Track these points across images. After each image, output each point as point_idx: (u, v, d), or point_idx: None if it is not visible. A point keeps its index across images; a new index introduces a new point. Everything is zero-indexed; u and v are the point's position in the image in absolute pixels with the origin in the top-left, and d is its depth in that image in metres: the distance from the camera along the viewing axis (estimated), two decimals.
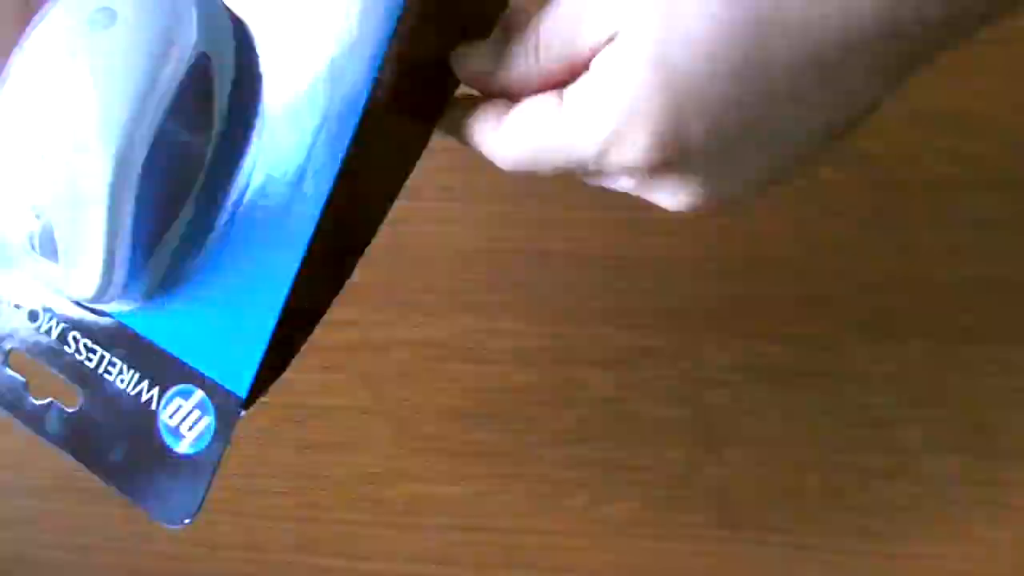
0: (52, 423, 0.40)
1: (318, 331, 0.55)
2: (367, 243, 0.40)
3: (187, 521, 0.37)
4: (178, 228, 0.37)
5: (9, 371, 0.41)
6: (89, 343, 0.39)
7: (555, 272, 0.55)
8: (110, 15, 0.34)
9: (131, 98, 0.34)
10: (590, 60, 0.32)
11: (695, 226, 0.55)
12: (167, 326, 0.38)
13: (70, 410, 0.40)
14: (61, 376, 0.39)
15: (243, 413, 0.37)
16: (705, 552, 0.53)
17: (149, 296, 0.38)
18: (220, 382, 0.37)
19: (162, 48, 0.34)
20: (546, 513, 0.53)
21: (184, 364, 0.38)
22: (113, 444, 0.39)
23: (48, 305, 0.39)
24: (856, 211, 0.54)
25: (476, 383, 0.55)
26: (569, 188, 0.55)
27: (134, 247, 0.36)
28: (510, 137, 0.34)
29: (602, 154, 0.32)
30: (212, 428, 0.37)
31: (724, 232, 0.54)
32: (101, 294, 0.36)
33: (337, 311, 0.55)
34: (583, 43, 0.32)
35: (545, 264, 0.55)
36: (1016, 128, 0.54)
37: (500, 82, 0.35)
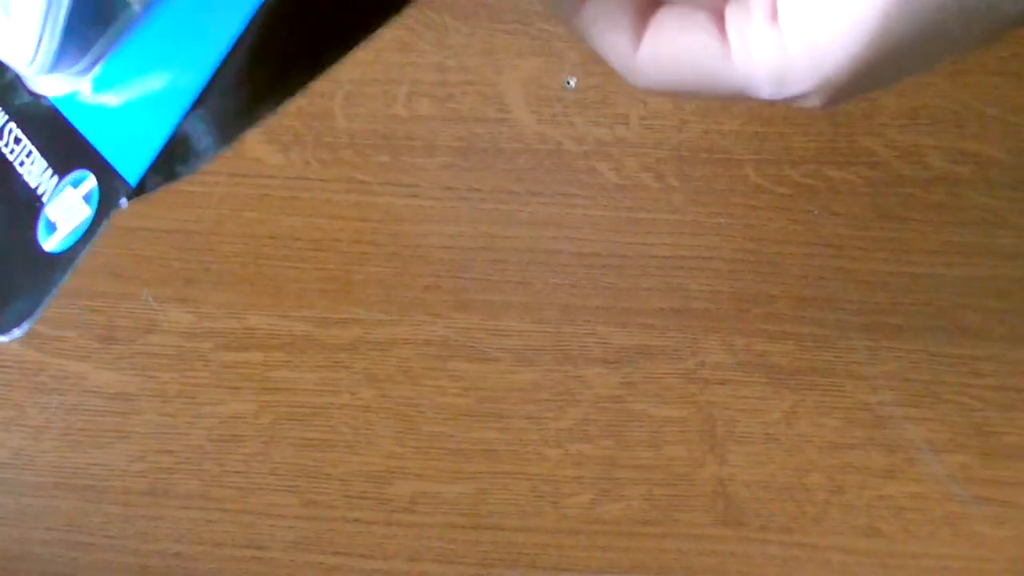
0: None
1: (320, 329, 0.55)
2: (315, 67, 0.35)
3: (17, 332, 0.33)
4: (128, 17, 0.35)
5: None
6: (19, 134, 0.36)
7: (557, 271, 0.55)
8: None
9: None
10: None
11: (696, 225, 0.55)
12: (92, 108, 0.35)
13: None
14: None
15: (124, 202, 0.32)
16: (707, 551, 0.53)
17: (85, 72, 0.35)
18: (114, 165, 0.33)
19: None
20: (548, 512, 0.53)
21: (89, 146, 0.34)
22: None
23: (2, 95, 0.37)
24: (857, 209, 0.54)
25: (478, 381, 0.55)
26: (571, 186, 0.55)
27: (75, 12, 0.33)
28: (654, 62, 0.31)
29: (777, 97, 0.30)
30: (88, 222, 0.33)
31: (725, 231, 0.54)
32: (35, 57, 0.34)
33: (338, 309, 0.55)
34: None
35: (546, 263, 0.55)
36: (1017, 127, 0.54)
37: None
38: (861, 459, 0.53)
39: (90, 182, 0.33)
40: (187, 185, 0.56)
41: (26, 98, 0.36)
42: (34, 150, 0.35)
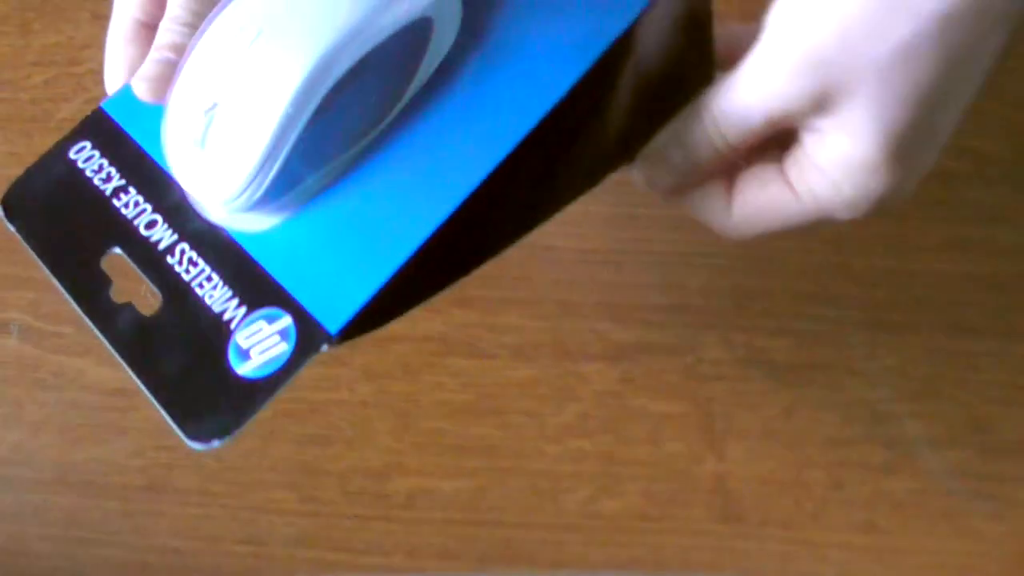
0: (121, 323, 0.39)
1: None
2: (501, 243, 0.40)
3: (216, 443, 0.35)
4: (338, 165, 0.37)
5: (101, 267, 0.39)
6: (195, 256, 0.38)
7: (555, 266, 0.55)
8: None
9: (349, 22, 0.35)
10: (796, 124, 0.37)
11: (695, 221, 0.55)
12: (282, 252, 0.37)
13: (146, 314, 0.38)
14: (148, 282, 0.38)
15: (325, 348, 0.36)
16: (705, 546, 0.53)
17: (280, 215, 0.37)
18: (313, 313, 0.36)
19: None
20: (547, 507, 0.53)
21: (282, 289, 0.37)
22: (174, 356, 0.37)
23: (169, 218, 0.39)
24: None
25: (476, 378, 0.55)
26: None
27: (289, 163, 0.36)
28: (747, 221, 0.40)
29: (847, 216, 0.38)
30: (286, 357, 0.36)
31: None
32: (240, 195, 0.36)
33: None
34: (785, 111, 0.36)
35: (545, 258, 0.55)
36: (1017, 123, 0.54)
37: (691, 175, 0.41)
38: (860, 454, 0.53)
39: (285, 320, 0.36)
40: None
41: (199, 224, 0.38)
42: (215, 276, 0.38)
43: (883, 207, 0.38)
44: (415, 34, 0.36)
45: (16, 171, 0.56)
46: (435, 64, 0.37)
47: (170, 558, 0.53)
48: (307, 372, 0.54)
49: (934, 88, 0.35)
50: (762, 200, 0.39)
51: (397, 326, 0.54)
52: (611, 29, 0.37)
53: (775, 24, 0.36)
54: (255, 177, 0.36)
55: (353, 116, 0.36)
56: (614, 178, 0.55)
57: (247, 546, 0.53)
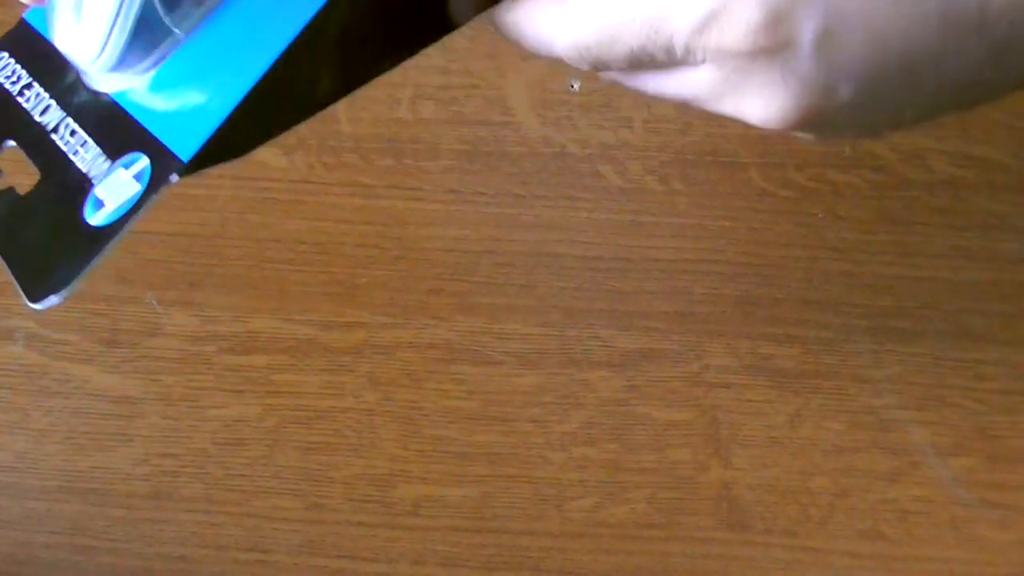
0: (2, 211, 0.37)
1: (324, 332, 0.55)
2: (379, 63, 0.38)
3: (54, 299, 0.34)
4: (190, 18, 0.37)
5: None
6: (76, 128, 0.38)
7: (561, 274, 0.55)
8: None
9: None
10: None
11: (700, 228, 0.55)
12: (148, 100, 0.37)
13: (17, 192, 0.37)
14: (31, 162, 0.37)
15: (175, 178, 0.34)
16: (711, 554, 0.53)
17: (151, 70, 0.37)
18: (168, 146, 0.35)
19: None
20: (552, 515, 0.53)
21: (146, 132, 0.36)
22: (36, 226, 0.36)
23: (59, 99, 0.39)
24: (861, 213, 0.54)
25: (482, 385, 0.55)
26: (575, 189, 0.55)
27: (140, 22, 0.36)
28: (578, 8, 0.29)
29: (698, 30, 0.27)
30: (137, 196, 0.34)
31: (730, 234, 0.54)
32: (98, 55, 0.36)
33: (343, 313, 0.55)
34: None
35: (551, 266, 0.55)
36: (1022, 131, 0.54)
37: None
38: (865, 462, 0.53)
39: (142, 162, 0.35)
40: (191, 188, 0.56)
41: (85, 96, 0.38)
42: (89, 140, 0.37)
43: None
44: None
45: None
46: None
47: (175, 566, 0.53)
48: (312, 379, 0.55)
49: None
50: None
51: (401, 332, 0.55)
52: None
53: None
54: (108, 36, 0.36)
55: None
56: (619, 185, 0.55)
57: (252, 553, 0.53)
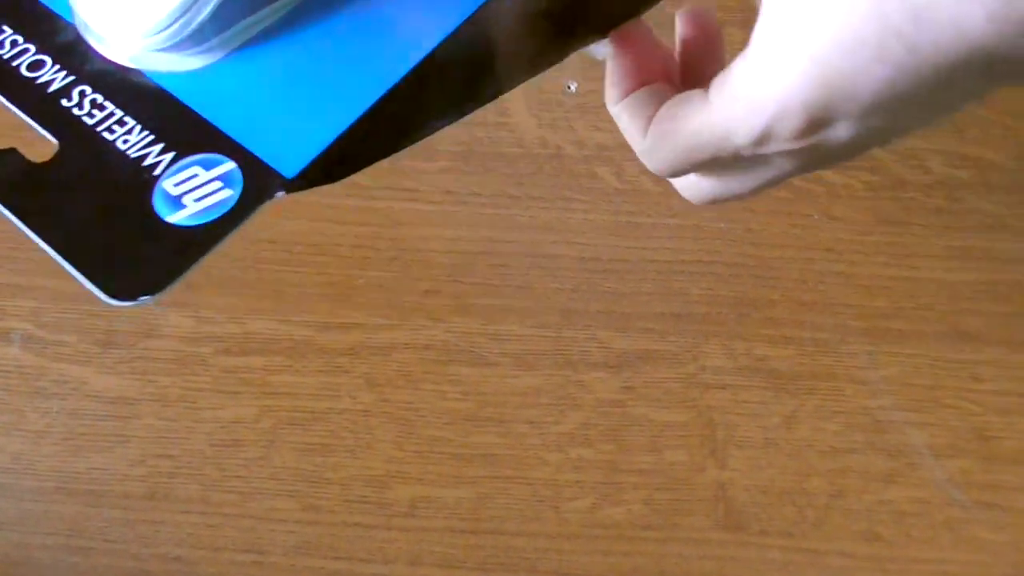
0: (3, 172, 0.35)
1: (320, 333, 0.55)
2: (495, 89, 0.37)
3: (146, 299, 0.32)
4: (270, 12, 0.35)
5: None
6: (100, 99, 0.35)
7: (557, 275, 0.55)
8: None
9: None
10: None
11: (697, 229, 0.55)
12: (219, 96, 0.35)
13: (35, 160, 0.35)
14: (37, 126, 0.35)
15: (281, 194, 0.34)
16: (707, 555, 0.53)
17: (208, 57, 0.35)
18: (264, 158, 0.34)
19: None
20: (548, 516, 0.53)
21: (225, 136, 0.34)
22: (79, 205, 0.34)
23: (59, 59, 0.36)
24: (857, 214, 0.55)
25: (478, 386, 0.55)
26: (571, 191, 0.55)
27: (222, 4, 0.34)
28: (660, 143, 0.35)
29: (758, 142, 0.32)
30: (231, 203, 0.33)
31: (726, 235, 0.54)
32: (165, 29, 0.34)
33: (339, 313, 0.55)
34: None
35: (547, 267, 0.55)
36: (1017, 131, 0.54)
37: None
38: (861, 464, 0.53)
39: (227, 166, 0.33)
40: None
41: (101, 65, 0.35)
42: (129, 120, 0.35)
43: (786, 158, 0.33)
44: None
45: None
46: None
47: (172, 567, 0.53)
48: (309, 380, 0.55)
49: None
50: (678, 113, 0.34)
51: (397, 333, 0.55)
52: None
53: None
54: (184, 11, 0.33)
55: None
56: (615, 186, 0.55)
57: (248, 555, 0.53)
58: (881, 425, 0.54)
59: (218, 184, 0.33)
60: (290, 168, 0.34)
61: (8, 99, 0.36)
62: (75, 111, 0.35)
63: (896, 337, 0.55)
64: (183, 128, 0.34)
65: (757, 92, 0.32)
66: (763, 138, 0.32)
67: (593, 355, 0.54)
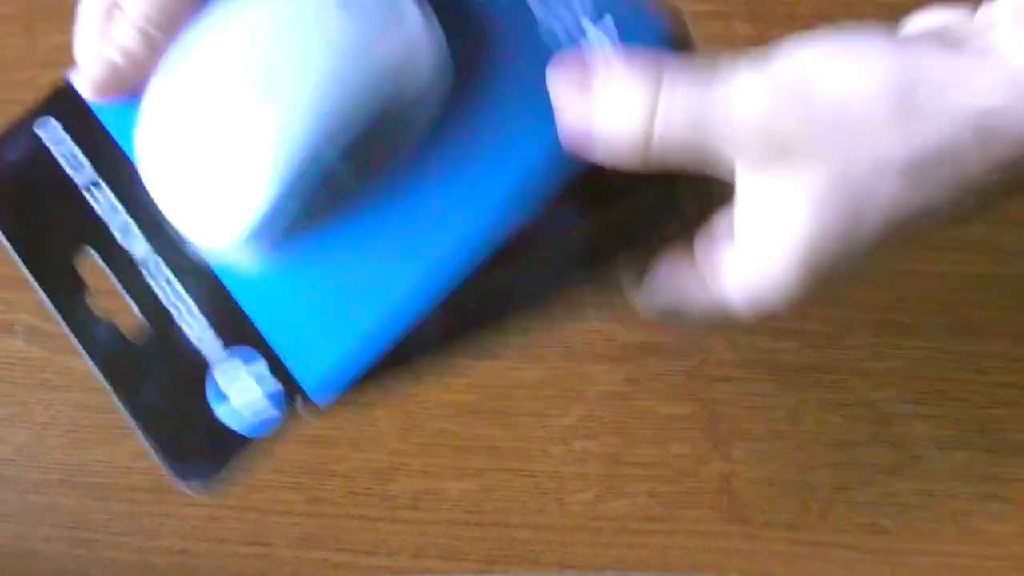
0: (100, 337, 0.37)
1: None
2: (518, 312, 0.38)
3: (201, 489, 0.35)
4: (323, 218, 0.36)
5: (75, 268, 0.38)
6: (171, 276, 0.37)
7: None
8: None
9: (365, 76, 0.34)
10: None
11: None
12: (262, 295, 0.36)
13: (127, 335, 0.37)
14: (126, 296, 0.37)
15: (301, 408, 0.35)
16: (711, 548, 0.53)
17: (259, 255, 0.36)
18: (290, 368, 0.35)
19: (400, 53, 0.35)
20: (552, 508, 0.53)
21: (259, 334, 0.36)
22: (156, 382, 0.37)
23: (145, 227, 0.38)
24: None
25: (482, 378, 0.55)
26: None
27: (276, 218, 0.35)
28: (650, 298, 0.36)
29: (751, 313, 0.34)
30: (260, 411, 0.35)
31: None
32: (232, 236, 0.35)
33: None
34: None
35: None
36: None
37: None
38: (866, 456, 0.53)
39: (261, 366, 0.35)
40: None
41: (172, 239, 0.37)
42: (192, 303, 0.37)
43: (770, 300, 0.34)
44: (407, 107, 0.35)
45: None
46: (422, 135, 0.36)
47: (176, 559, 0.53)
48: None
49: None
50: (668, 276, 0.35)
51: None
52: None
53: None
54: (246, 227, 0.35)
55: (342, 175, 0.35)
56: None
57: (253, 547, 0.53)
58: (885, 417, 0.54)
59: (255, 386, 0.35)
60: (314, 387, 0.35)
61: (102, 259, 0.38)
62: (153, 285, 0.37)
63: (900, 329, 0.55)
64: (230, 319, 0.36)
65: (756, 286, 0.33)
66: (764, 317, 0.34)
67: (597, 347, 0.54)
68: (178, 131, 0.35)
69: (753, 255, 0.32)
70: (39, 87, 0.57)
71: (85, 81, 0.37)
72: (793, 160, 0.31)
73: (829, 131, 0.30)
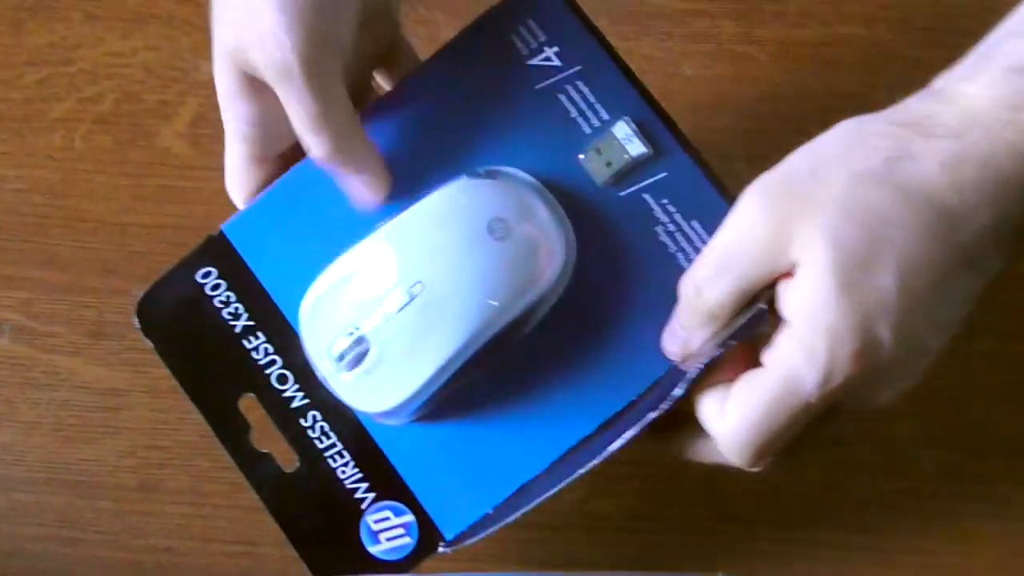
0: (263, 471, 0.45)
1: None
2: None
3: None
4: (460, 387, 0.43)
5: (240, 410, 0.46)
6: (326, 427, 0.44)
7: None
8: (506, 228, 0.42)
9: (498, 308, 0.41)
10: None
11: None
12: (407, 451, 0.44)
13: (286, 470, 0.45)
14: (285, 440, 0.45)
15: (441, 550, 0.43)
16: (700, 546, 0.53)
17: (405, 418, 0.43)
18: (432, 516, 0.43)
19: (540, 270, 0.42)
20: (541, 507, 0.53)
21: (406, 486, 0.43)
22: (313, 515, 0.45)
23: (299, 378, 0.45)
24: None
25: None
26: None
27: (431, 396, 0.42)
28: (737, 421, 0.37)
29: (822, 386, 0.36)
30: (409, 549, 0.44)
31: None
32: (391, 411, 0.42)
33: None
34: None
35: None
36: None
37: None
38: (854, 455, 0.53)
39: (408, 517, 0.43)
40: (177, 181, 0.56)
41: (325, 393, 0.44)
42: (346, 454, 0.44)
43: (871, 384, 0.38)
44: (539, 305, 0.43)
45: (10, 171, 0.56)
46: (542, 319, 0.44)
47: (162, 558, 0.53)
48: None
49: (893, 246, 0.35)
50: (746, 391, 0.37)
51: None
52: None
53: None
54: (411, 400, 0.42)
55: (481, 360, 0.42)
56: None
57: (239, 546, 0.53)
58: (873, 416, 0.54)
59: (401, 531, 0.43)
60: (450, 530, 0.43)
61: (261, 402, 0.45)
62: (309, 432, 0.44)
63: None
64: (381, 474, 0.44)
65: (805, 346, 0.35)
66: (823, 384, 0.35)
67: None
68: (343, 315, 0.42)
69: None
70: (24, 86, 0.57)
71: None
72: (793, 226, 0.36)
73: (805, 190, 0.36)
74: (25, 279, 0.56)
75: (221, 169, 0.55)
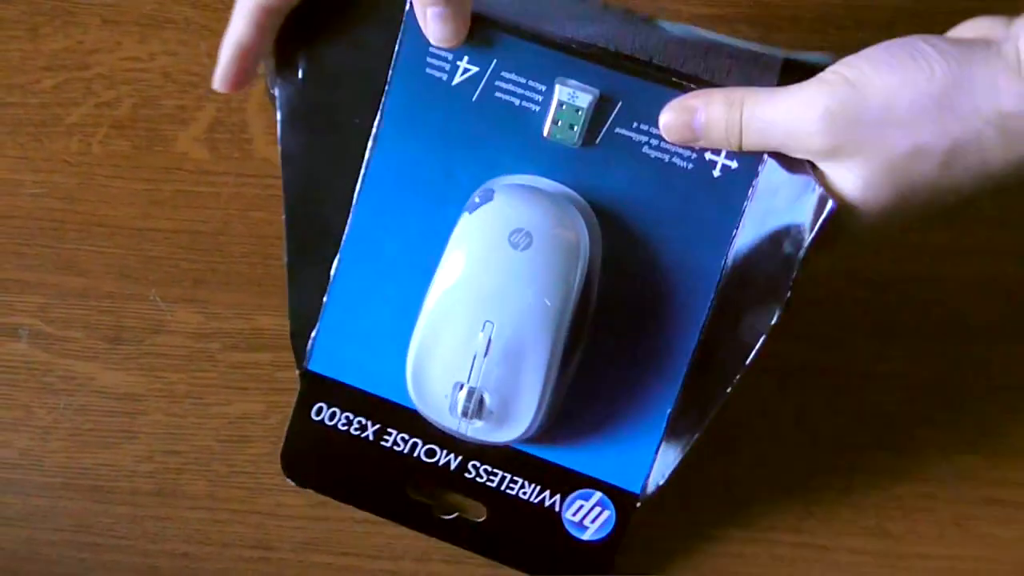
0: (465, 534, 0.50)
1: None
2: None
3: None
4: (568, 377, 0.47)
5: (413, 496, 0.50)
6: (489, 468, 0.49)
7: None
8: (524, 235, 0.44)
9: (556, 305, 0.44)
10: None
11: None
12: (557, 446, 0.48)
13: (478, 520, 0.50)
14: (460, 495, 0.50)
15: (639, 505, 0.48)
16: (714, 551, 0.53)
17: (544, 427, 0.47)
18: (616, 483, 0.48)
19: (572, 265, 0.45)
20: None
21: (578, 473, 0.48)
22: (523, 541, 0.49)
23: (442, 444, 0.49)
24: None
25: None
26: None
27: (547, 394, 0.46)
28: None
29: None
30: (613, 520, 0.48)
31: None
32: (526, 435, 0.46)
33: None
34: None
35: None
36: None
37: None
38: (869, 459, 0.53)
39: (597, 495, 0.48)
40: (194, 186, 0.56)
41: (470, 444, 0.48)
42: (518, 478, 0.49)
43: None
44: (590, 277, 0.46)
45: (27, 176, 0.56)
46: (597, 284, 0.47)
47: (179, 563, 0.53)
48: None
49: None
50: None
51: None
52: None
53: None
54: (535, 419, 0.46)
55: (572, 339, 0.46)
56: None
57: (256, 551, 0.53)
58: (888, 420, 0.54)
59: (598, 509, 0.48)
60: (635, 484, 0.48)
61: (428, 481, 0.50)
62: (477, 479, 0.49)
63: (903, 333, 0.55)
64: (550, 475, 0.49)
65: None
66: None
67: None
68: (444, 378, 0.46)
69: None
70: (42, 91, 0.57)
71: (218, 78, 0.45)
72: (843, 158, 0.40)
73: (873, 130, 0.39)
74: (42, 284, 0.56)
75: (238, 174, 0.56)
